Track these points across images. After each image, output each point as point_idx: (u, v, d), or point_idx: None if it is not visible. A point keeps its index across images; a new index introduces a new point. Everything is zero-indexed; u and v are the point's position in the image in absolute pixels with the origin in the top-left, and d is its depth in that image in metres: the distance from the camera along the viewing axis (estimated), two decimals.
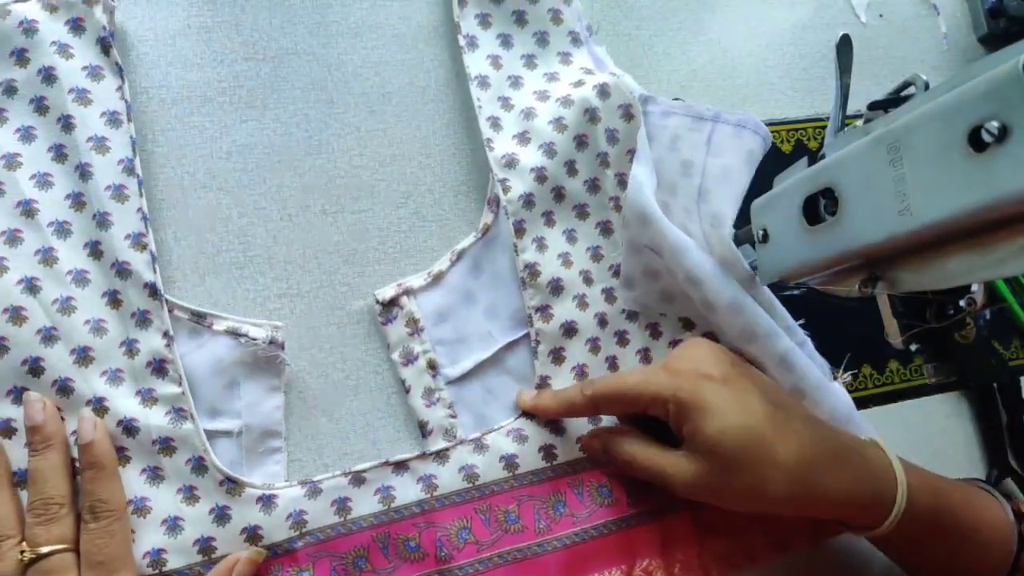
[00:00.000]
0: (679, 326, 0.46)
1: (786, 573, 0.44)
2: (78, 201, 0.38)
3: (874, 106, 0.38)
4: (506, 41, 0.46)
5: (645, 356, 0.45)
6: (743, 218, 0.41)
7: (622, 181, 0.45)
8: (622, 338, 0.44)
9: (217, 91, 0.43)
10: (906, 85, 0.40)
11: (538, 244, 0.43)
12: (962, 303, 0.42)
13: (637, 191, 0.42)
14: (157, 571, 0.35)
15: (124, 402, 0.36)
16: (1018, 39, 0.27)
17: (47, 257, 0.37)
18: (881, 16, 0.57)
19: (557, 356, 0.43)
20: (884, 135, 0.31)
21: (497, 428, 0.42)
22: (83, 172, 0.38)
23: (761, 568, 0.43)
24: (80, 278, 0.37)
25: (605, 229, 0.45)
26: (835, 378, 0.44)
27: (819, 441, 0.38)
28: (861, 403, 0.46)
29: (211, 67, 0.43)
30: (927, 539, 0.40)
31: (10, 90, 0.38)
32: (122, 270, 0.37)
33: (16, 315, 0.35)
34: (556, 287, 0.43)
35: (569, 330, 0.43)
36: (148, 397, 0.37)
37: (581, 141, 0.44)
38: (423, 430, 0.42)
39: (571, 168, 0.44)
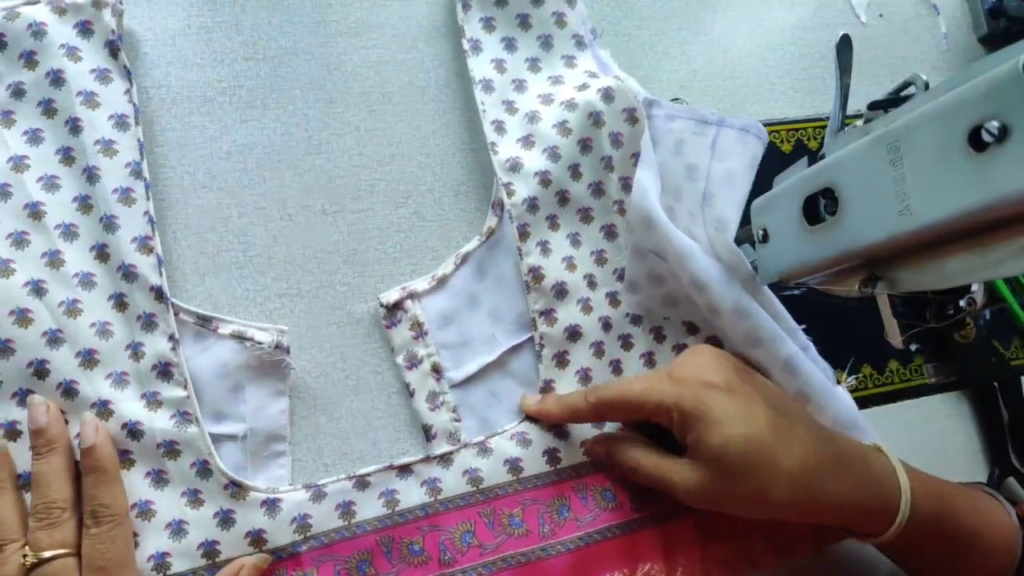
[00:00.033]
0: (683, 330, 0.47)
1: None
2: (85, 204, 0.39)
3: (874, 106, 0.39)
4: (510, 45, 0.47)
5: (649, 360, 0.46)
6: (743, 218, 0.42)
7: (626, 185, 0.46)
8: (626, 342, 0.45)
9: (217, 91, 0.44)
10: (906, 85, 0.40)
11: (542, 248, 0.44)
12: (962, 303, 0.43)
13: (641, 196, 0.43)
14: (161, 575, 0.36)
15: (129, 405, 0.37)
16: (1018, 39, 0.28)
17: (54, 260, 0.38)
18: (881, 16, 0.58)
19: (561, 360, 0.44)
20: (884, 135, 0.32)
21: (501, 432, 0.43)
22: (90, 175, 0.38)
23: (763, 573, 0.44)
24: (86, 281, 0.38)
25: (609, 233, 0.46)
26: (839, 382, 0.44)
27: (822, 448, 0.38)
28: (861, 403, 0.47)
29: (211, 67, 0.44)
30: (931, 545, 0.40)
31: (18, 92, 0.39)
32: (128, 273, 0.38)
33: (22, 317, 0.36)
34: (560, 291, 0.44)
35: (573, 334, 0.44)
36: (153, 400, 0.38)
37: (585, 145, 0.45)
38: (427, 434, 0.43)
39: (575, 172, 0.45)
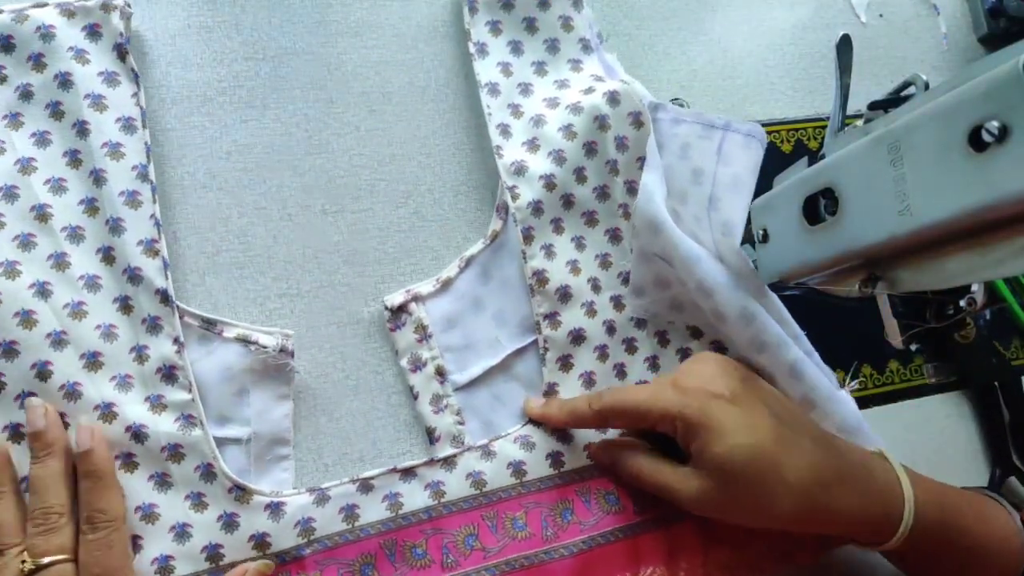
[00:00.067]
0: (687, 334, 0.48)
1: None
2: (92, 206, 0.39)
3: (874, 106, 0.40)
4: (516, 48, 0.48)
5: (653, 364, 0.47)
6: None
7: (631, 189, 0.47)
8: (630, 345, 0.46)
9: (217, 91, 0.44)
10: (906, 85, 0.41)
11: (546, 251, 0.45)
12: (962, 303, 0.44)
13: (647, 200, 0.44)
14: None
15: (133, 408, 0.38)
16: (1018, 39, 0.28)
17: (59, 262, 0.38)
18: (881, 16, 0.60)
19: (565, 363, 0.45)
20: (884, 135, 0.32)
21: (505, 435, 0.43)
22: (97, 177, 0.39)
23: None
24: (92, 283, 0.39)
25: (614, 236, 0.47)
26: (842, 386, 0.45)
27: (826, 459, 0.39)
28: (861, 403, 0.48)
29: (211, 67, 0.45)
30: (935, 552, 0.41)
31: (26, 95, 0.40)
32: (134, 276, 0.39)
33: (27, 319, 0.37)
34: (564, 294, 0.45)
35: (577, 337, 0.45)
36: (157, 403, 0.38)
37: (590, 148, 0.46)
38: (431, 436, 0.43)
39: (580, 175, 0.46)
